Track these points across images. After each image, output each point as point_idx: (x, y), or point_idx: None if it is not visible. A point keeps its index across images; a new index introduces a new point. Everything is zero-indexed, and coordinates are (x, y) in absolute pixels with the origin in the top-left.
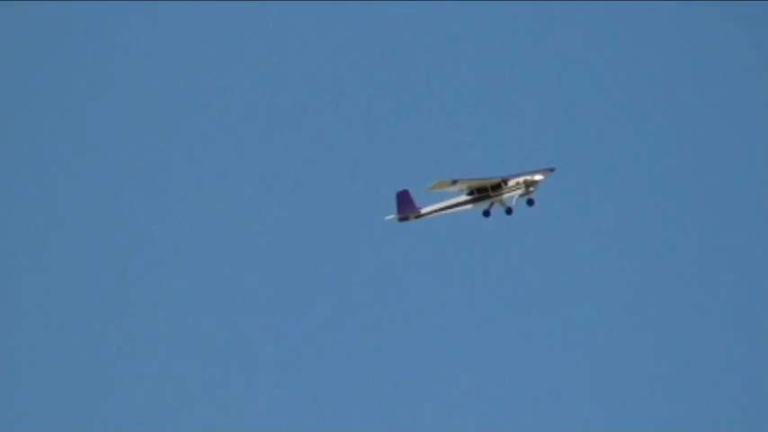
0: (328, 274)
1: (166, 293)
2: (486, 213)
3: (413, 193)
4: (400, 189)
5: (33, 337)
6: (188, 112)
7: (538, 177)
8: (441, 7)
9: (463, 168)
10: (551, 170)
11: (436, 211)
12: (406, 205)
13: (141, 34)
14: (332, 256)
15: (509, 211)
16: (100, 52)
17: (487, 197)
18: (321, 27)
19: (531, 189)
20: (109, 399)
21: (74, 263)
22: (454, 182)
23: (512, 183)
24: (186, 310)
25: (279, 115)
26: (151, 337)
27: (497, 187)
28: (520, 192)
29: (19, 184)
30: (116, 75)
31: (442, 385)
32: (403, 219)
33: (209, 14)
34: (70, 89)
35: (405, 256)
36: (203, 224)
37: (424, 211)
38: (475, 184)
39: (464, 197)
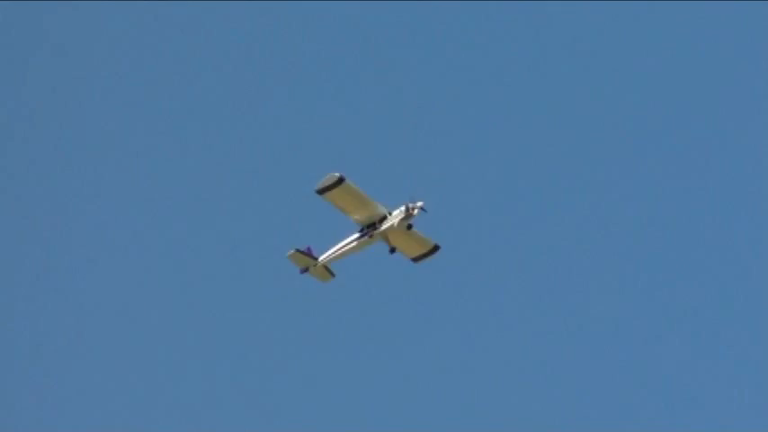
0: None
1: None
2: (392, 250)
3: (309, 248)
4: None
5: None
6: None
7: (419, 203)
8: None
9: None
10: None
11: (333, 255)
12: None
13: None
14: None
15: (393, 249)
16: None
17: (375, 228)
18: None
19: (413, 213)
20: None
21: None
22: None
23: (395, 212)
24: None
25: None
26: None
27: (383, 219)
28: (401, 218)
29: None
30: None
31: None
32: (304, 271)
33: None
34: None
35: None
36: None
37: (321, 258)
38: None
39: (355, 235)
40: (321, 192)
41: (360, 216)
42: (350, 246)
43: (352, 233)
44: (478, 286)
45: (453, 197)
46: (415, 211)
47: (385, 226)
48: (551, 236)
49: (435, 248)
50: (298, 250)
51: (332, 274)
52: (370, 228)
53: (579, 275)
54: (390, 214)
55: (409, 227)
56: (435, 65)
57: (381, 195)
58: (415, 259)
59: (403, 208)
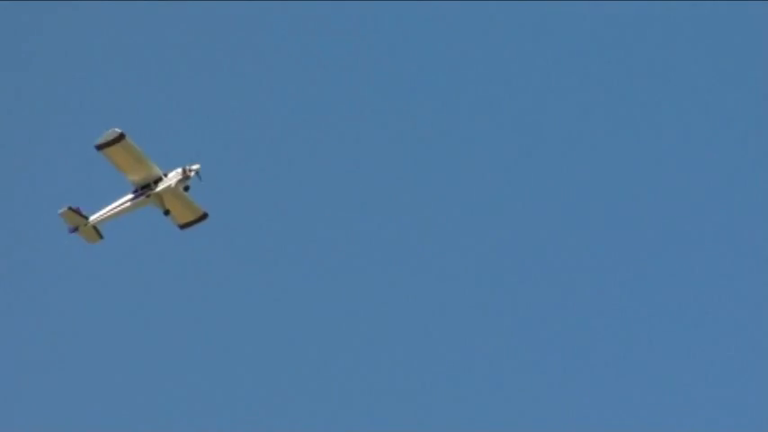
0: None
1: None
2: (167, 212)
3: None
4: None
5: None
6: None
7: (195, 166)
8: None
9: None
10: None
11: (104, 215)
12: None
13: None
14: None
15: (167, 212)
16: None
17: (150, 189)
18: None
19: (190, 175)
20: None
21: None
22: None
23: (171, 174)
24: None
25: None
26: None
27: (158, 181)
28: (178, 179)
29: None
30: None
31: None
32: (74, 230)
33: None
34: None
35: None
36: None
37: (92, 218)
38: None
39: (129, 195)
40: (100, 147)
41: (136, 176)
42: (123, 206)
43: (126, 194)
44: (247, 255)
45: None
46: (192, 173)
47: (162, 187)
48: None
49: (204, 216)
50: (70, 208)
51: (101, 236)
52: (144, 189)
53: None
54: (166, 176)
55: (186, 188)
56: None
57: (157, 158)
58: (183, 226)
59: (179, 170)
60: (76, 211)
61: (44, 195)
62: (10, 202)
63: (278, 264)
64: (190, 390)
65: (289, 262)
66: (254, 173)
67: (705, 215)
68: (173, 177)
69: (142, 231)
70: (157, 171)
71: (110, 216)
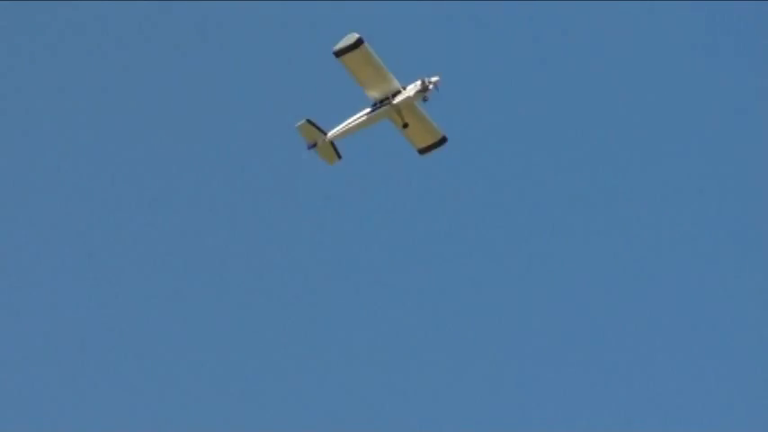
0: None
1: None
2: (405, 125)
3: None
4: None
5: None
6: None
7: (434, 78)
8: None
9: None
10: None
11: (342, 129)
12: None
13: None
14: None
15: (405, 125)
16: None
17: (387, 103)
18: None
19: (429, 87)
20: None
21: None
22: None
23: (409, 86)
24: None
25: None
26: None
27: (396, 94)
28: (417, 89)
29: None
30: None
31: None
32: (312, 146)
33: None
34: None
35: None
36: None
37: (330, 133)
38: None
39: (367, 110)
40: (338, 54)
41: (374, 89)
42: (360, 120)
43: (363, 109)
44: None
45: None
46: (431, 86)
47: (400, 98)
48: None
49: (443, 140)
50: (308, 120)
51: (338, 156)
52: (383, 102)
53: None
54: (404, 89)
55: (425, 99)
56: None
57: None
58: (422, 150)
59: (418, 82)
60: (314, 124)
61: (283, 110)
62: (245, 116)
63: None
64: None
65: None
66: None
67: (705, 215)
68: (411, 89)
69: (379, 153)
70: (395, 84)
71: (347, 130)
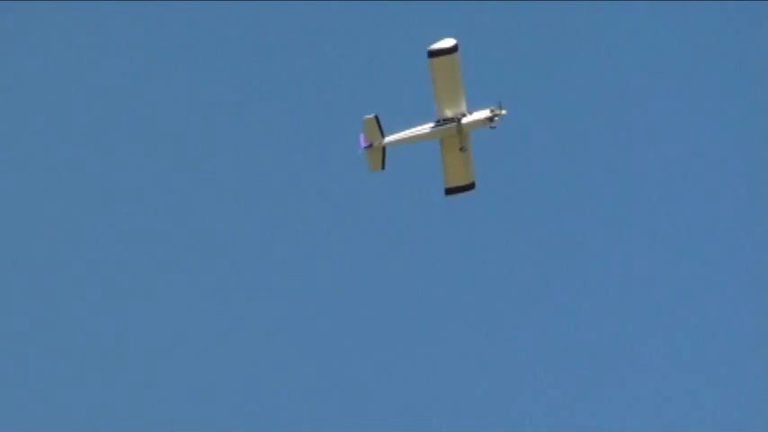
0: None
1: None
2: (462, 149)
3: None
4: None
5: None
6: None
7: (503, 111)
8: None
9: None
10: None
11: (400, 138)
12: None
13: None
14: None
15: (462, 148)
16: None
17: (453, 122)
18: None
19: (496, 115)
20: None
21: None
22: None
23: (476, 112)
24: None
25: None
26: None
27: (462, 117)
28: (486, 115)
29: None
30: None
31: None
32: (368, 146)
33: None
34: None
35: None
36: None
37: (388, 138)
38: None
39: (430, 124)
40: (432, 54)
41: (446, 103)
42: (421, 132)
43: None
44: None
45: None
46: (496, 118)
47: (470, 119)
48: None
49: (471, 185)
50: (377, 117)
51: (383, 166)
52: (447, 121)
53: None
54: (470, 113)
55: (492, 127)
56: None
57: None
58: (450, 191)
59: (487, 110)
60: (379, 123)
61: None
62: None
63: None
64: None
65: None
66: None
67: (704, 215)
68: (480, 114)
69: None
70: (464, 105)
71: (405, 140)
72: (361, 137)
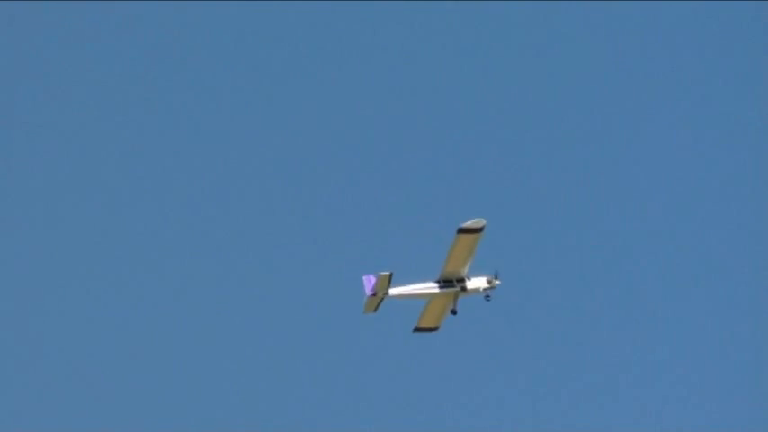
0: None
1: None
2: (454, 312)
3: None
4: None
5: None
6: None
7: (498, 281)
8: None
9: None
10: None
11: (404, 293)
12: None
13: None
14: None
15: (454, 312)
16: None
17: (453, 286)
18: None
19: (493, 286)
20: None
21: None
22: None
23: (475, 279)
24: None
25: None
26: None
27: (461, 280)
28: (484, 286)
29: None
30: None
31: None
32: (372, 294)
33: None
34: None
35: None
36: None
37: (392, 292)
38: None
39: (433, 283)
40: (463, 231)
41: (453, 268)
42: (428, 290)
43: (426, 281)
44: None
45: None
46: (492, 287)
47: (472, 287)
48: None
49: (436, 328)
50: (391, 275)
51: (376, 310)
52: (447, 282)
53: None
54: (469, 279)
55: (487, 297)
56: None
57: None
58: (418, 329)
59: (485, 279)
60: (390, 280)
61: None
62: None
63: None
64: None
65: None
66: None
67: (704, 216)
68: (479, 283)
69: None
70: (465, 271)
71: (408, 295)
72: (367, 282)
